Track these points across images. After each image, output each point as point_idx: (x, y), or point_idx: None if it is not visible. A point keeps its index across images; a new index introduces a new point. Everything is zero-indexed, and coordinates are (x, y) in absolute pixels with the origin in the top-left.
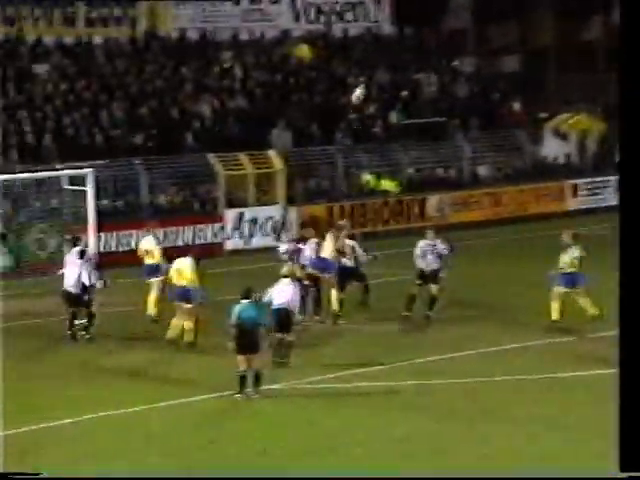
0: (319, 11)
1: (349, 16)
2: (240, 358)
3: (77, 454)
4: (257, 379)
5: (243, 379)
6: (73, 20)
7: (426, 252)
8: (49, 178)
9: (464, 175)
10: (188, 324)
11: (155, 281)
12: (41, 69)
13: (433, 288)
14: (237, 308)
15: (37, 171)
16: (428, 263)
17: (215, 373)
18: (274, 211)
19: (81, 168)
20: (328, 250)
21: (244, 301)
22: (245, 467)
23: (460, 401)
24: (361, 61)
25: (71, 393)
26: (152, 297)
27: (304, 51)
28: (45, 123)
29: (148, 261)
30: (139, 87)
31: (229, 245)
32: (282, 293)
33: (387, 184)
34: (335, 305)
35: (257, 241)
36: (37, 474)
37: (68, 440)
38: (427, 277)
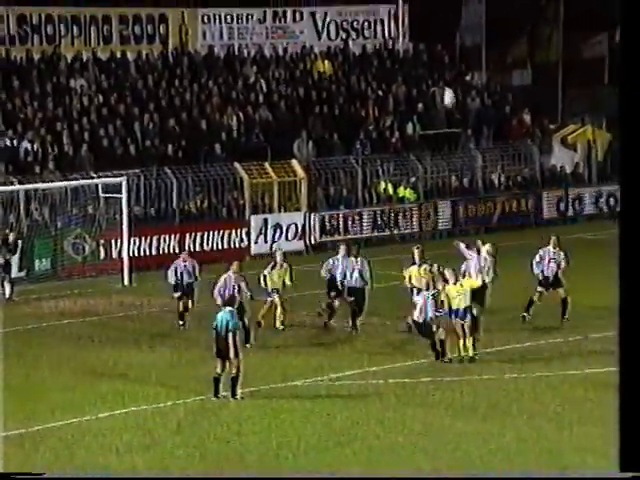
0: (339, 28)
1: (367, 33)
2: (217, 361)
3: (108, 447)
4: (232, 383)
5: (217, 381)
6: (108, 38)
7: (550, 260)
8: (85, 186)
9: (477, 183)
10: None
11: (275, 299)
12: (78, 84)
13: (561, 292)
14: (218, 315)
15: (74, 180)
16: (552, 269)
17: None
18: (297, 217)
19: (115, 177)
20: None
21: (227, 308)
22: (267, 459)
23: (471, 397)
24: (378, 75)
25: (103, 389)
26: (279, 312)
27: (324, 66)
28: (81, 134)
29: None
30: (169, 100)
31: (254, 249)
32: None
33: (404, 192)
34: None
35: (280, 245)
36: (38, 474)
37: (100, 434)
38: (550, 283)
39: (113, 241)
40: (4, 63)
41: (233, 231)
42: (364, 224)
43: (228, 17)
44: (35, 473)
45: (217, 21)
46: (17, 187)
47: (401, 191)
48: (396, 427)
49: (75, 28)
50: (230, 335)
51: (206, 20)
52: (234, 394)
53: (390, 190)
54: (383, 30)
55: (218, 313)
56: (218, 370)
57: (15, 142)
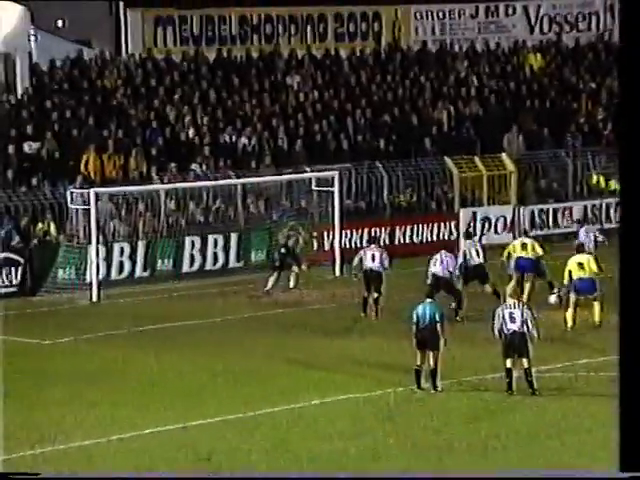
0: (552, 21)
1: (581, 25)
2: (418, 353)
3: (321, 434)
4: (433, 376)
5: (418, 373)
6: (323, 35)
7: None
8: (298, 180)
9: None
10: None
11: (529, 276)
12: (294, 80)
13: None
14: (419, 306)
15: (288, 174)
16: None
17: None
18: (506, 210)
19: (327, 171)
20: None
21: (427, 300)
22: (476, 449)
23: None
24: (592, 68)
25: (315, 377)
26: (527, 292)
27: (536, 60)
28: (296, 130)
29: (522, 254)
30: (381, 96)
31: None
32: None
33: (615, 185)
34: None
35: (489, 238)
36: (37, 474)
37: (312, 421)
38: None
39: (325, 233)
40: (225, 62)
41: (442, 224)
42: (574, 218)
43: (440, 13)
44: (32, 473)
45: (429, 17)
46: (235, 181)
47: (613, 184)
48: (608, 420)
49: (292, 27)
50: (438, 326)
51: (419, 16)
52: (435, 387)
53: (602, 183)
54: (598, 22)
55: (418, 305)
56: (418, 362)
57: (234, 138)
